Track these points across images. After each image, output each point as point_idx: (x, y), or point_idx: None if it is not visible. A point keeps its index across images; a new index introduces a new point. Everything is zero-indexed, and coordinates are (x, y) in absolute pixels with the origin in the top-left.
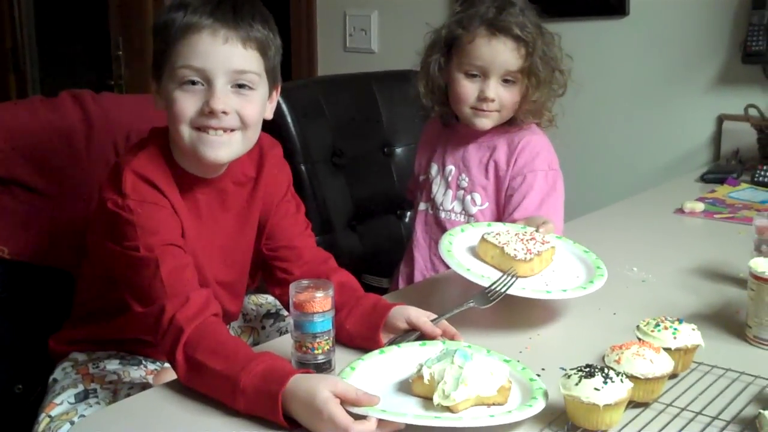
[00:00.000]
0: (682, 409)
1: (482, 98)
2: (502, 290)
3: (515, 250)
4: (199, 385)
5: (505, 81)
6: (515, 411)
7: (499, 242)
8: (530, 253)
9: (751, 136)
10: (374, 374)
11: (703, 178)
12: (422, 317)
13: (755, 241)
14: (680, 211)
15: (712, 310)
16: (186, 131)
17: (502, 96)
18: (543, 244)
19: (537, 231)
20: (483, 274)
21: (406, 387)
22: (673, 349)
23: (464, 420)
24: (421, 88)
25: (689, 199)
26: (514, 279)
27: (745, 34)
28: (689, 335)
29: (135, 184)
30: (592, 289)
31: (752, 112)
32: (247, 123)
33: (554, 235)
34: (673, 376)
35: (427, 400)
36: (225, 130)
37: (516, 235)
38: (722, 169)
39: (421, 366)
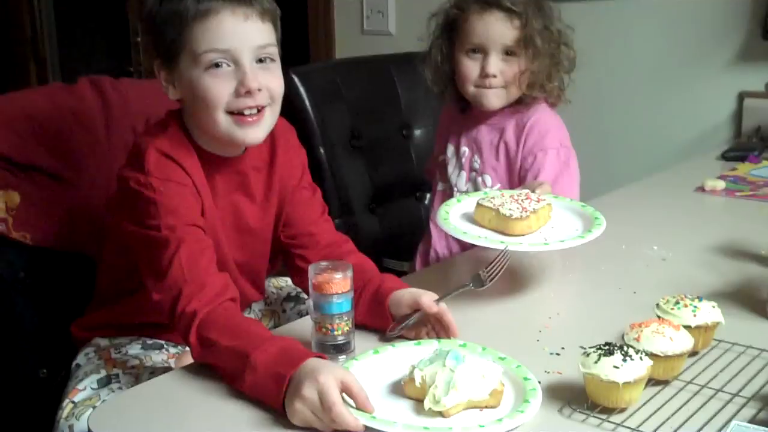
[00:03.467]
0: (703, 387)
1: (484, 75)
2: (498, 270)
3: (510, 209)
4: (210, 359)
5: (507, 54)
6: (506, 419)
7: (494, 205)
8: (526, 211)
9: None
10: (367, 375)
11: (724, 156)
12: (417, 293)
13: None
14: (701, 189)
15: (733, 288)
16: (222, 118)
17: (504, 71)
18: (538, 202)
19: (534, 192)
20: (480, 235)
21: (398, 389)
22: (693, 326)
23: (454, 429)
24: (429, 75)
25: (710, 177)
26: (508, 258)
27: (765, 10)
28: (709, 313)
29: (158, 162)
30: (590, 237)
31: None
32: (275, 96)
33: (550, 195)
34: (693, 353)
35: (419, 402)
36: (259, 108)
37: (511, 196)
38: (743, 146)
39: (413, 368)
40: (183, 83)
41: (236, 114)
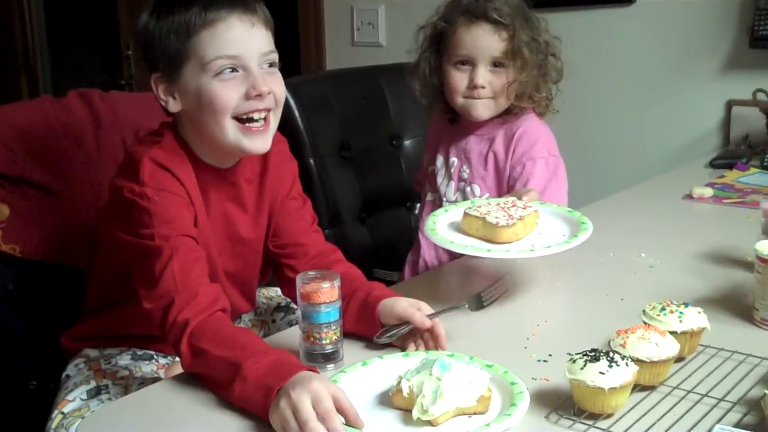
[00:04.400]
0: (688, 392)
1: (472, 86)
2: (496, 297)
3: (497, 218)
4: (201, 368)
5: (495, 66)
6: (494, 423)
7: (481, 213)
8: (512, 219)
9: (760, 121)
10: (356, 387)
11: (713, 164)
12: (409, 309)
13: (763, 225)
14: (689, 196)
15: (720, 293)
16: (229, 124)
17: (492, 82)
18: (524, 209)
19: (520, 199)
20: (466, 244)
21: (386, 400)
22: (679, 332)
23: None
24: (417, 87)
25: (698, 184)
26: (508, 286)
27: (752, 19)
28: (695, 318)
29: (153, 172)
30: (576, 242)
31: (761, 96)
32: (279, 101)
33: (538, 202)
34: (679, 359)
35: (407, 412)
36: (266, 112)
37: (497, 204)
38: (731, 154)
39: (401, 378)
40: (188, 93)
41: (244, 122)
